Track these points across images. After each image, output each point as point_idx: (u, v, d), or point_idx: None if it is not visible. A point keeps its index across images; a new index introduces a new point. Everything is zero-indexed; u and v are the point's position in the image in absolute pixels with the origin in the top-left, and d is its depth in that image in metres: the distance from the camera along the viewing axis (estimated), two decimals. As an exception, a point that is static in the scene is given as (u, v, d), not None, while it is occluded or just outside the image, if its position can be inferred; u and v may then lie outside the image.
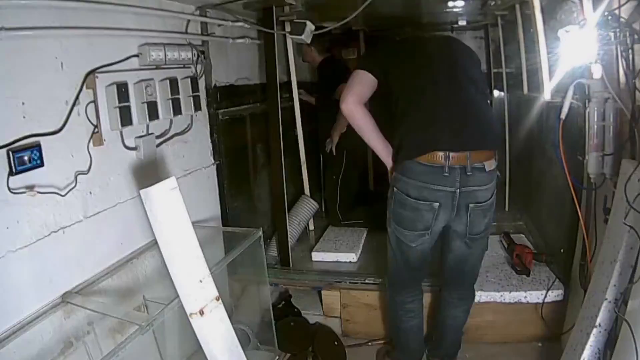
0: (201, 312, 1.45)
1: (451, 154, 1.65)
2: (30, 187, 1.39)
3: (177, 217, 1.44)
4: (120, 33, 1.76)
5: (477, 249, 1.89)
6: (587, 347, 1.55)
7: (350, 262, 2.79)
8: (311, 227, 3.38)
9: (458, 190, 1.68)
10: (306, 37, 2.57)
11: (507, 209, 3.44)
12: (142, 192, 1.39)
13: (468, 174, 1.67)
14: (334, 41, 3.56)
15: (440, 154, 1.65)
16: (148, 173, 1.95)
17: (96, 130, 1.65)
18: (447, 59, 1.83)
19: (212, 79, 2.43)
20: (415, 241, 1.82)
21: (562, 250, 2.32)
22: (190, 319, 1.45)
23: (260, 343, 2.29)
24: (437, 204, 1.70)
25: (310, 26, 2.55)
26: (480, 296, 2.24)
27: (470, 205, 1.72)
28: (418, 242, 1.81)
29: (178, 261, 1.43)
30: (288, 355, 2.31)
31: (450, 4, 3.07)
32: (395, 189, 1.78)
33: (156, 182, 1.40)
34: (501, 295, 2.24)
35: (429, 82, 1.75)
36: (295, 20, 2.60)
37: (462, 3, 3.09)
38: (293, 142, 3.17)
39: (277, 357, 2.26)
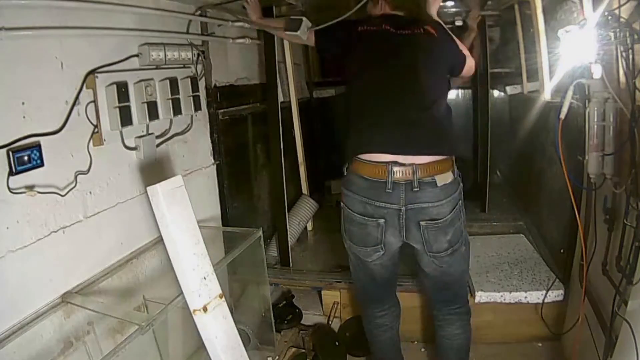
0: (205, 309, 1.46)
1: (394, 168, 1.52)
2: (30, 187, 1.39)
3: (183, 214, 1.46)
4: (120, 33, 1.76)
5: (453, 265, 1.70)
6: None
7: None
8: (310, 227, 3.38)
9: (404, 208, 1.56)
10: (302, 34, 2.57)
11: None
12: (148, 188, 1.41)
13: (415, 190, 1.53)
14: None
15: (383, 167, 1.53)
16: (148, 173, 1.95)
17: (96, 130, 1.65)
18: (405, 60, 1.67)
19: (212, 79, 2.43)
20: (370, 256, 1.70)
21: (562, 251, 2.32)
22: (193, 315, 1.46)
23: (260, 343, 2.29)
24: (383, 220, 1.59)
25: (306, 22, 2.54)
26: (481, 296, 2.25)
27: (422, 223, 1.57)
28: (374, 257, 1.69)
29: (183, 258, 1.45)
30: (287, 356, 2.31)
31: (448, 3, 3.07)
32: (342, 203, 1.71)
33: (158, 181, 1.41)
34: (501, 296, 2.24)
35: (381, 81, 1.65)
36: (291, 17, 2.59)
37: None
38: (292, 142, 3.18)
39: (277, 357, 2.26)
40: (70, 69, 1.54)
